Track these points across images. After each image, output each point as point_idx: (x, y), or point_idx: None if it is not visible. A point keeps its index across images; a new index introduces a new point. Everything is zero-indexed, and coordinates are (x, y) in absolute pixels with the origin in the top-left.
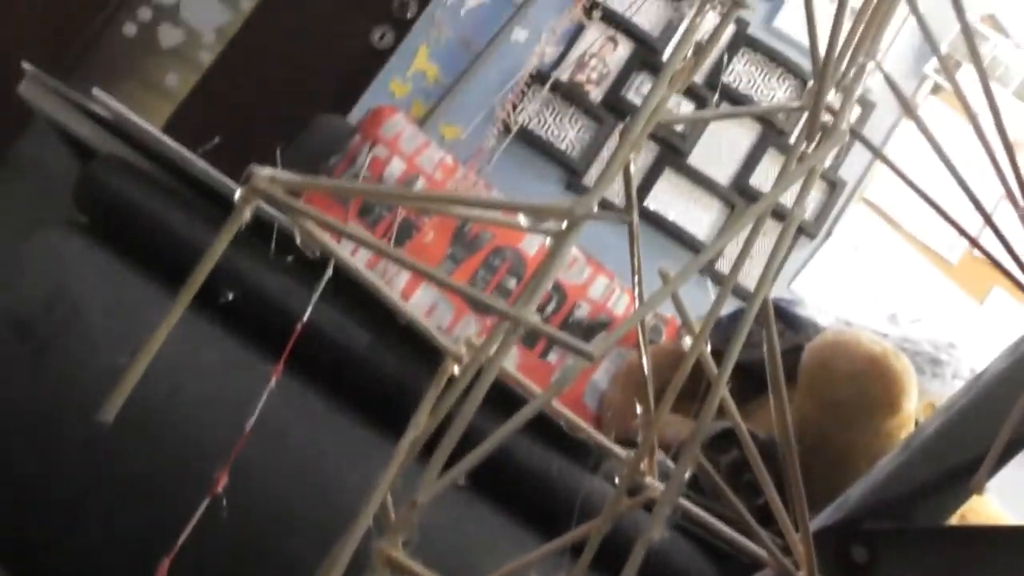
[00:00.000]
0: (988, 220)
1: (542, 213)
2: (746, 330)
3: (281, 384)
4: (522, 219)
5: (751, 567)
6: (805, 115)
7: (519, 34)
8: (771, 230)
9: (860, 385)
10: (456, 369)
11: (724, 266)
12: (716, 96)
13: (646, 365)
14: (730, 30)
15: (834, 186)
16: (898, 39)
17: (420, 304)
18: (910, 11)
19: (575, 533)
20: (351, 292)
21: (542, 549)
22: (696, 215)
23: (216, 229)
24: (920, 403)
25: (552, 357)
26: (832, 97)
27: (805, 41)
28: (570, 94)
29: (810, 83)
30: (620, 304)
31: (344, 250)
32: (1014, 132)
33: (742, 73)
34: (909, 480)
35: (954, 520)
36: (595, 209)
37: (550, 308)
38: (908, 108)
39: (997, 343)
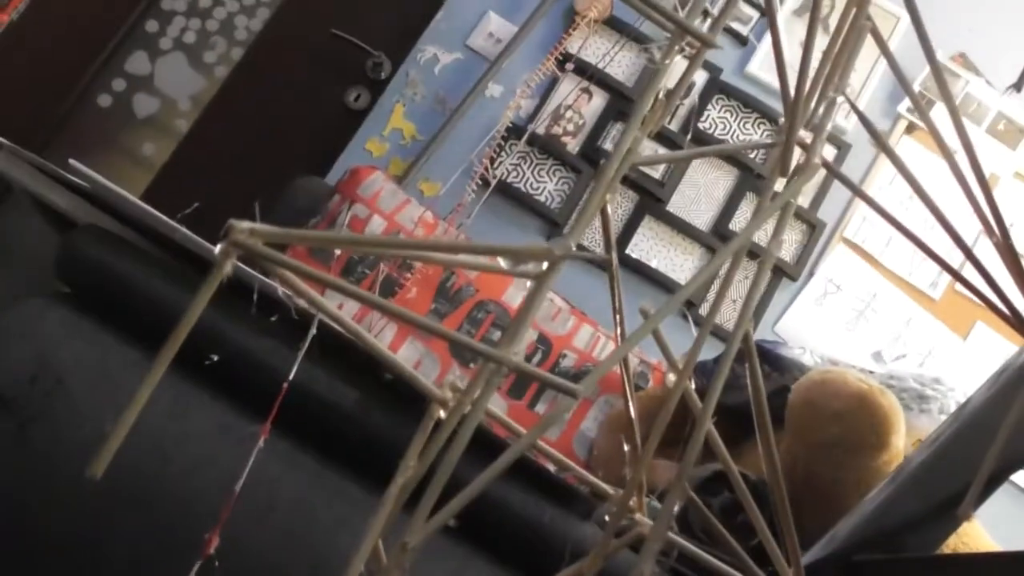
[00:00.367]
0: (967, 252)
1: (522, 255)
2: (728, 364)
3: (270, 444)
4: (503, 263)
5: None
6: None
7: (494, 89)
8: (753, 272)
9: (848, 424)
10: (442, 413)
11: (709, 311)
12: (688, 139)
13: (631, 403)
14: (704, 77)
15: (813, 227)
16: (871, 79)
17: (406, 359)
18: (880, 53)
19: (566, 573)
20: (336, 349)
21: None
22: (678, 261)
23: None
24: (908, 439)
25: (540, 407)
26: (804, 133)
27: (777, 84)
28: (547, 146)
29: (782, 120)
30: (605, 351)
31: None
32: (988, 167)
33: (717, 120)
34: (897, 512)
35: (946, 553)
36: (574, 249)
37: (536, 359)
38: (879, 140)
39: (981, 377)
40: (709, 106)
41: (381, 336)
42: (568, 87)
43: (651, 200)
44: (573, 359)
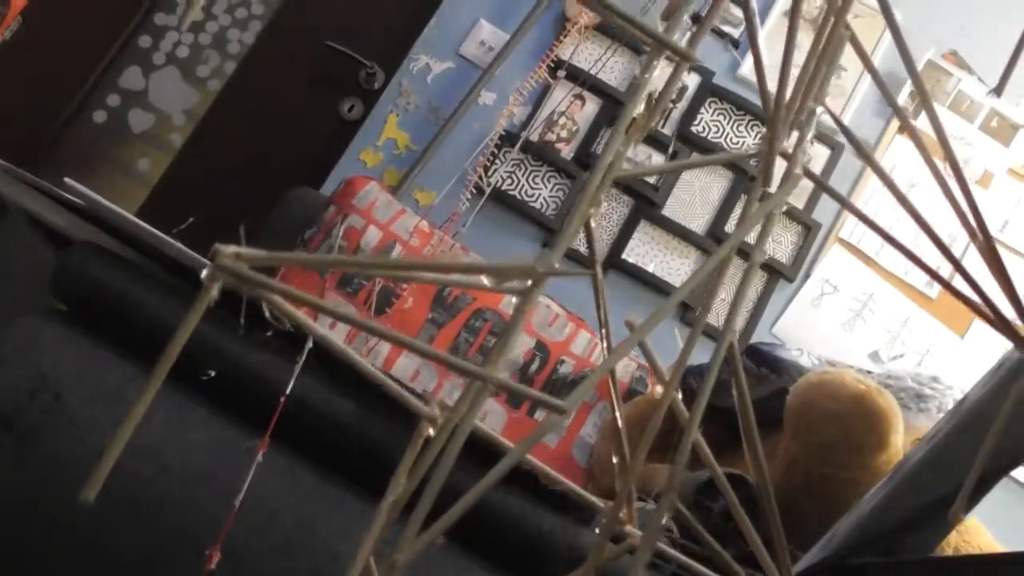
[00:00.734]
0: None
1: (504, 274)
2: (714, 376)
3: (268, 458)
4: (486, 280)
5: None
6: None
7: (486, 97)
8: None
9: (846, 425)
10: (431, 431)
11: (710, 318)
12: (672, 147)
13: (618, 414)
14: (696, 81)
15: (809, 228)
16: (864, 77)
17: (404, 370)
18: (864, 69)
19: None
20: (332, 362)
21: None
22: (674, 265)
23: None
24: (907, 438)
25: (539, 415)
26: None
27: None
28: (541, 153)
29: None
30: (603, 357)
31: (324, 321)
32: (982, 164)
33: (710, 123)
34: (893, 513)
35: (948, 553)
36: (557, 265)
37: (535, 366)
38: (861, 151)
39: (979, 375)
40: (702, 109)
41: (378, 348)
42: (561, 93)
43: (646, 204)
44: (571, 365)
